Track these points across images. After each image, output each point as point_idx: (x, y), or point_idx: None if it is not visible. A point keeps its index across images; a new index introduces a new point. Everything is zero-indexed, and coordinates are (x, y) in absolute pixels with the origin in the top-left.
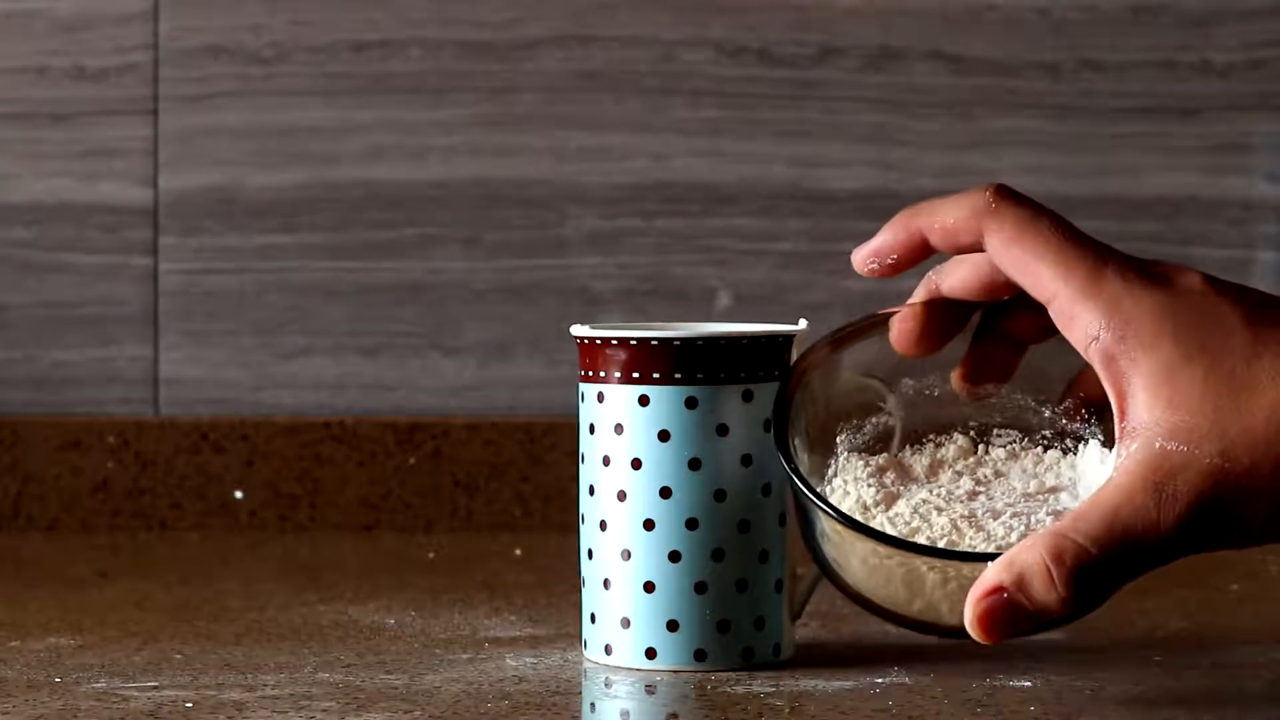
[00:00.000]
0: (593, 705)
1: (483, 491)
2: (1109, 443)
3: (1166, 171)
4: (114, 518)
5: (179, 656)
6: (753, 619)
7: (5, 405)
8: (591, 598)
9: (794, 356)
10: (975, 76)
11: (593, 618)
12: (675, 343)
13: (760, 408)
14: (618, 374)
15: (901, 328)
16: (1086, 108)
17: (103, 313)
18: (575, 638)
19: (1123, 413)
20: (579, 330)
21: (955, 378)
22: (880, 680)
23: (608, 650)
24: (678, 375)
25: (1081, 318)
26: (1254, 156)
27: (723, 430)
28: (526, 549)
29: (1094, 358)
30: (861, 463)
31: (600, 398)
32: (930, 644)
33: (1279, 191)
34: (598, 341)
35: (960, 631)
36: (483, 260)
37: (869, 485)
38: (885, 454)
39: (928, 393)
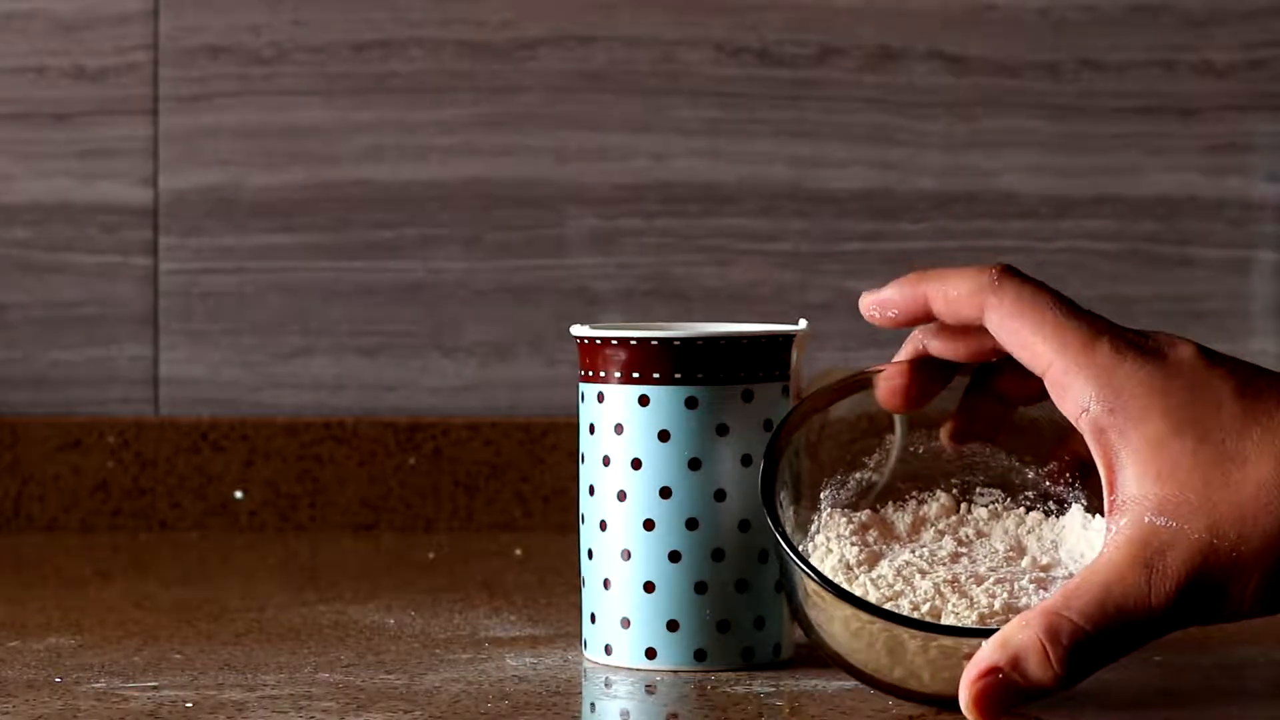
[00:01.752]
0: (593, 705)
1: (483, 491)
2: (1092, 507)
3: (1166, 171)
4: (114, 518)
5: (179, 656)
6: (753, 619)
7: (5, 405)
8: (591, 598)
9: (794, 357)
10: (975, 76)
11: (593, 618)
12: (675, 343)
13: (760, 408)
14: (618, 374)
15: (888, 385)
16: (1086, 108)
17: (103, 313)
18: (575, 638)
19: (1112, 485)
20: (579, 330)
21: (943, 435)
22: None
23: (608, 650)
24: (678, 375)
25: (1073, 389)
26: (1254, 156)
27: (723, 430)
28: (526, 549)
29: (1085, 429)
30: (844, 519)
31: (600, 398)
32: None
33: (1279, 191)
34: (598, 341)
35: (940, 700)
36: (483, 260)
37: (851, 544)
38: (868, 510)
39: (912, 449)
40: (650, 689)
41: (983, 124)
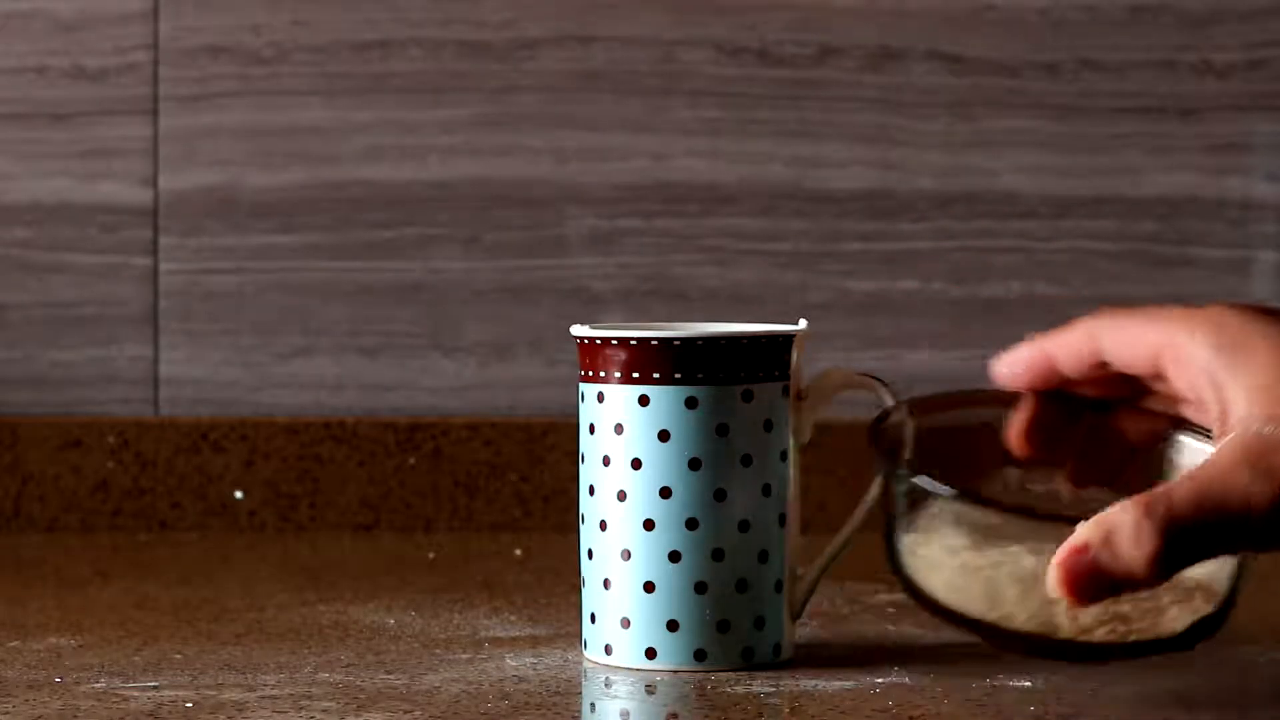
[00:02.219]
0: (593, 705)
1: (483, 491)
2: None
3: (1166, 171)
4: (114, 518)
5: (179, 656)
6: (753, 619)
7: (5, 405)
8: (591, 598)
9: (794, 357)
10: (975, 76)
11: (593, 618)
12: (675, 343)
13: (760, 408)
14: (618, 374)
15: (1017, 423)
16: (1086, 108)
17: (103, 313)
18: (575, 638)
19: (1223, 422)
20: (579, 330)
21: (1061, 477)
22: (880, 680)
23: (608, 650)
24: (678, 375)
25: (1187, 347)
26: (1254, 156)
27: (723, 430)
28: (526, 549)
29: (1200, 381)
30: (952, 521)
31: (600, 398)
32: (930, 644)
33: (1279, 191)
34: (598, 341)
35: (1030, 640)
36: (483, 260)
37: (956, 535)
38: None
39: (1029, 487)
40: (650, 689)
41: (983, 124)
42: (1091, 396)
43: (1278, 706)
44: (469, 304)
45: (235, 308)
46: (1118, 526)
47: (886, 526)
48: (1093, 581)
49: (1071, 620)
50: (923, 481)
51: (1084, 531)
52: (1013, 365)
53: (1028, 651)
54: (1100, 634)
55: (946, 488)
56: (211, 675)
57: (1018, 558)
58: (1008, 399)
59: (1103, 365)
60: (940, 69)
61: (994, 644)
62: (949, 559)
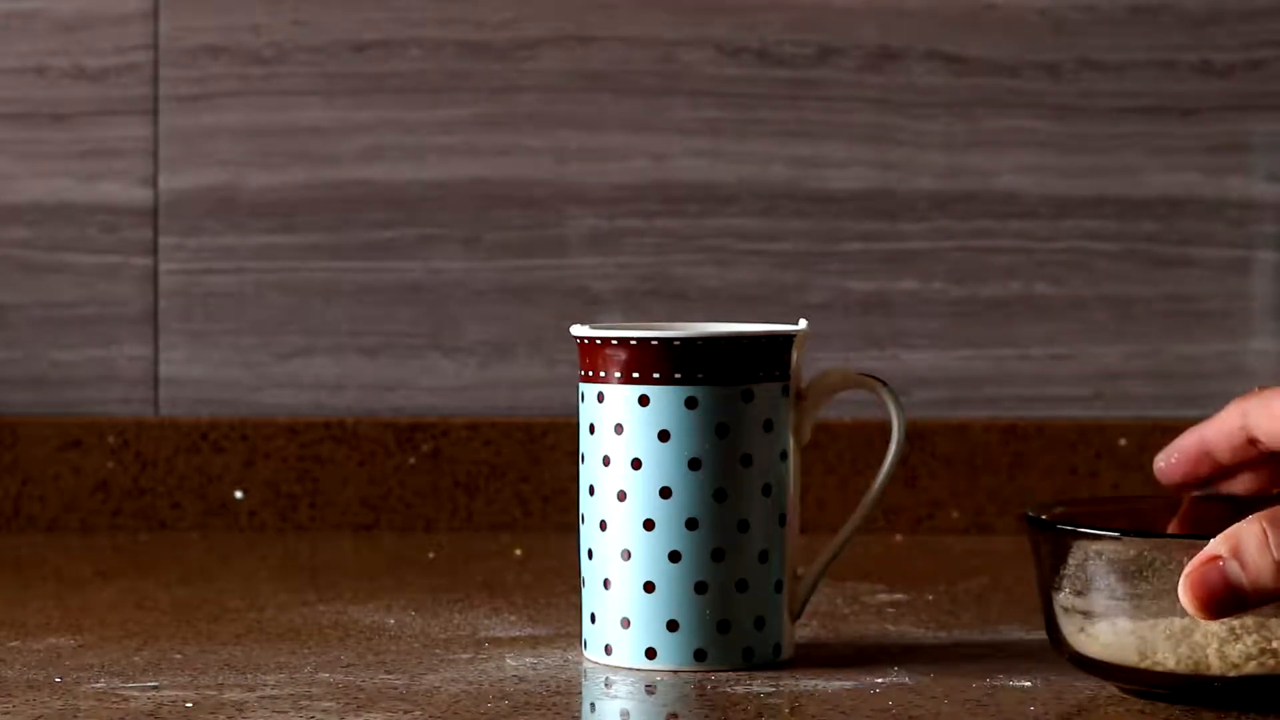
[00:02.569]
0: (593, 705)
1: (483, 491)
2: None
3: (1166, 171)
4: (114, 518)
5: (179, 656)
6: (753, 619)
7: (5, 405)
8: (591, 598)
9: (794, 357)
10: (975, 76)
11: (593, 618)
12: (675, 343)
13: (760, 408)
14: (618, 374)
15: (1172, 524)
16: (1086, 108)
17: (103, 313)
18: (575, 638)
19: None
20: (579, 330)
21: None
22: (880, 680)
23: (608, 650)
24: (678, 375)
25: None
26: (1254, 156)
27: (723, 430)
28: (526, 549)
29: None
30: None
31: (600, 398)
32: (930, 644)
33: (1279, 191)
34: (598, 341)
35: (1178, 681)
36: (483, 260)
37: (1114, 594)
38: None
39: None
40: (650, 689)
41: (983, 124)
42: (1246, 493)
43: (1279, 709)
44: (469, 304)
45: (235, 308)
46: (1245, 535)
47: (1045, 599)
48: (1223, 591)
49: (1221, 660)
50: (1081, 527)
51: (1212, 544)
52: (1169, 455)
53: (1178, 697)
54: (1250, 668)
55: (1108, 530)
56: (211, 675)
57: (1170, 620)
58: (1162, 503)
59: (1253, 443)
60: (940, 69)
61: (1144, 690)
62: (1107, 628)
